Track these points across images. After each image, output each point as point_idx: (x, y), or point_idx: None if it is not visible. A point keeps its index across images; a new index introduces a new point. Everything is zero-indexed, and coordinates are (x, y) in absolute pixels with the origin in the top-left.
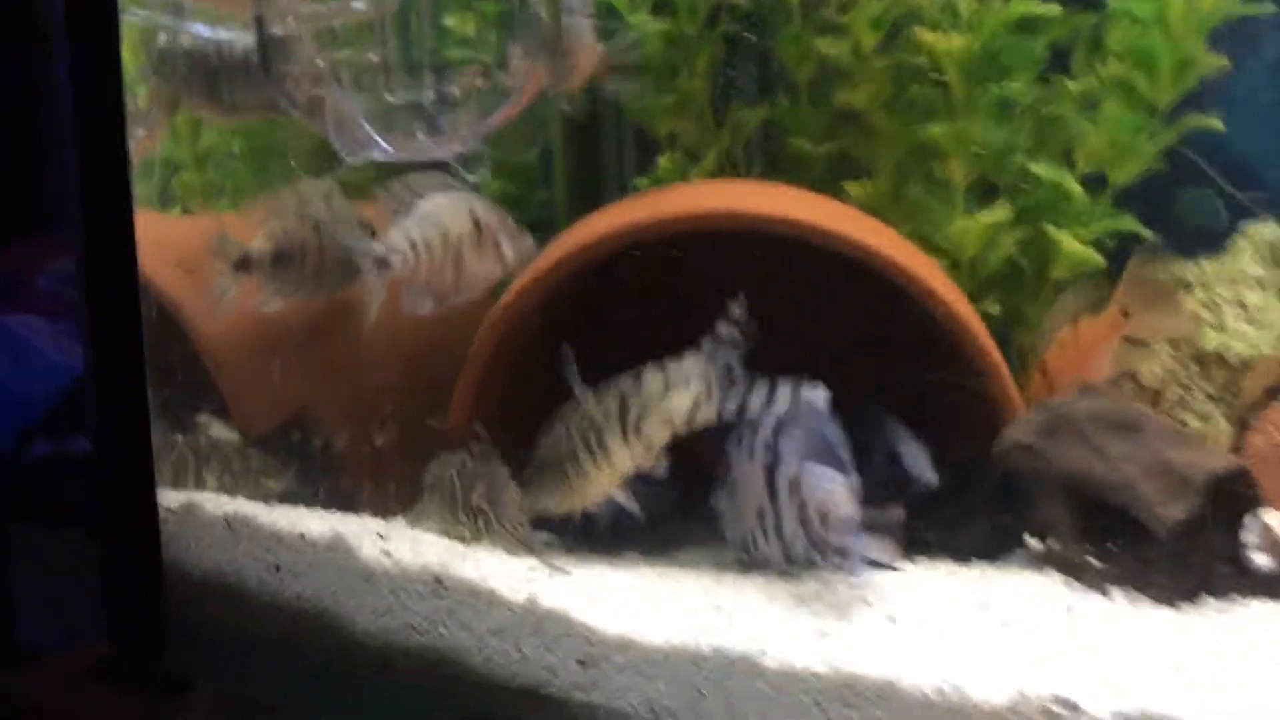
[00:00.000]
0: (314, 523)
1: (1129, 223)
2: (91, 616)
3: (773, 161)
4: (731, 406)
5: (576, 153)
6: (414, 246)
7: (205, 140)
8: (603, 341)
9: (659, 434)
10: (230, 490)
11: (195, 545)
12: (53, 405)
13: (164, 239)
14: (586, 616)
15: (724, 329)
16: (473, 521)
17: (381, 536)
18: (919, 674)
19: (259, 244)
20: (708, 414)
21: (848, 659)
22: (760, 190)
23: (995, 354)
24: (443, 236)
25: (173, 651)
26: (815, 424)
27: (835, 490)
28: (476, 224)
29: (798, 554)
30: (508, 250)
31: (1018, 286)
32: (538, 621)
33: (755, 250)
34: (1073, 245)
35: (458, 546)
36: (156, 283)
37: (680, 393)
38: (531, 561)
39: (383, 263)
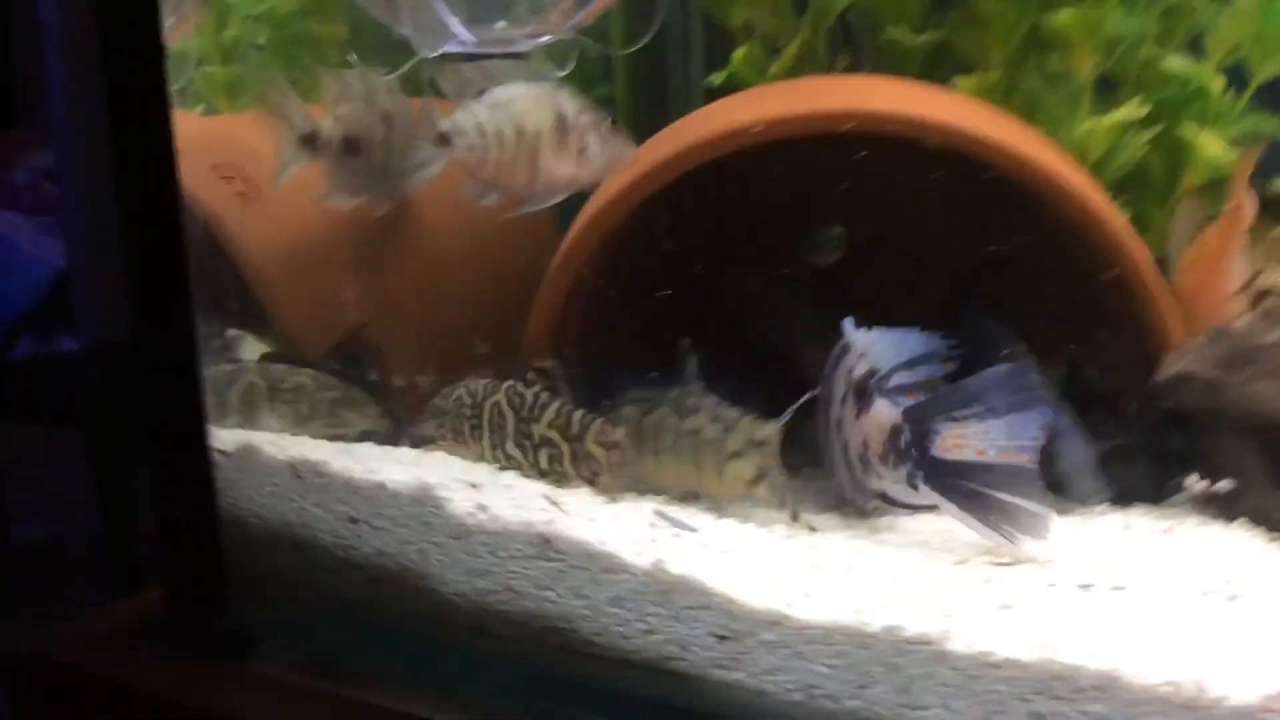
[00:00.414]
0: (395, 471)
1: (1273, 124)
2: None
3: (862, 53)
4: None
5: (638, 44)
6: (482, 132)
7: (229, 30)
8: (698, 261)
9: (733, 484)
10: (302, 424)
11: (257, 493)
12: (34, 304)
13: (196, 141)
14: (725, 585)
15: None
16: (530, 454)
17: (474, 487)
18: (1139, 659)
19: (330, 126)
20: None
21: (1046, 638)
22: (882, 86)
23: (1154, 275)
24: (517, 128)
25: (234, 608)
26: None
27: (869, 424)
28: (561, 120)
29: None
30: (596, 154)
31: (1145, 192)
32: (665, 590)
33: (873, 156)
34: (1212, 148)
35: (563, 501)
36: (190, 191)
37: (749, 460)
38: (650, 515)
39: (443, 138)
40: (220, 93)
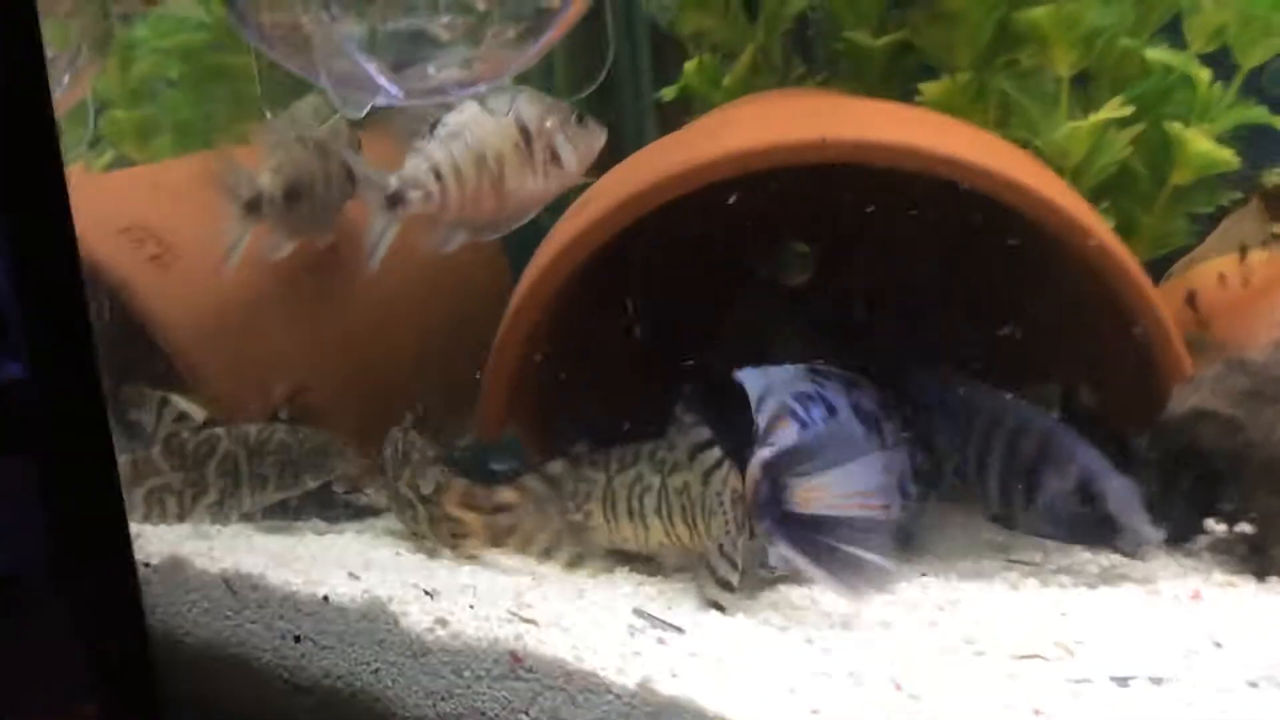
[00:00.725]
0: (340, 580)
1: (1261, 114)
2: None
3: (818, 58)
4: None
5: (580, 58)
6: (438, 175)
7: (138, 69)
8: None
9: (684, 538)
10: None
11: (189, 610)
12: None
13: (100, 201)
14: (721, 706)
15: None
16: (403, 512)
17: (430, 595)
18: None
19: (268, 180)
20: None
21: None
22: (847, 108)
23: (1155, 299)
24: (476, 157)
25: None
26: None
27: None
28: (524, 133)
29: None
30: (569, 157)
31: (1130, 195)
32: (654, 713)
33: (849, 185)
34: (1201, 143)
35: (536, 608)
36: (96, 257)
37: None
38: (628, 615)
39: (396, 199)
40: (130, 137)
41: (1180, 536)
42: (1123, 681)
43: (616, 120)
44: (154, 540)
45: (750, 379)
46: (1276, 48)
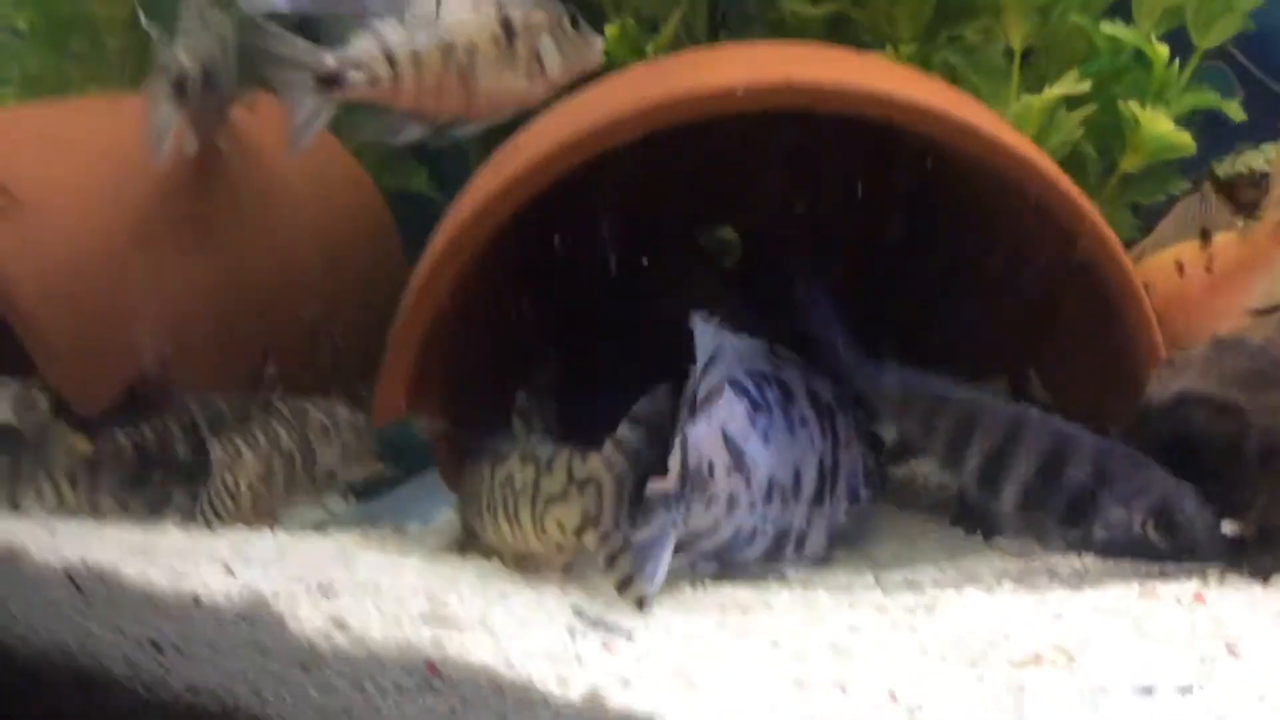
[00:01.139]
0: (212, 574)
1: (1215, 99)
2: None
3: (750, 26)
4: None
5: None
6: (390, 59)
7: None
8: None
9: (556, 535)
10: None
11: (24, 610)
12: None
13: None
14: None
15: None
16: None
17: (324, 594)
18: None
19: (187, 60)
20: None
21: None
22: (807, 54)
23: (1138, 281)
24: (444, 46)
25: None
26: None
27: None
28: (506, 24)
29: None
30: (554, 60)
31: (1081, 176)
32: None
33: (793, 137)
34: (1159, 124)
35: (452, 608)
36: None
37: (572, 503)
38: (568, 617)
39: (331, 79)
40: None
41: None
42: (1146, 691)
43: None
44: None
45: (704, 333)
46: (1235, 27)
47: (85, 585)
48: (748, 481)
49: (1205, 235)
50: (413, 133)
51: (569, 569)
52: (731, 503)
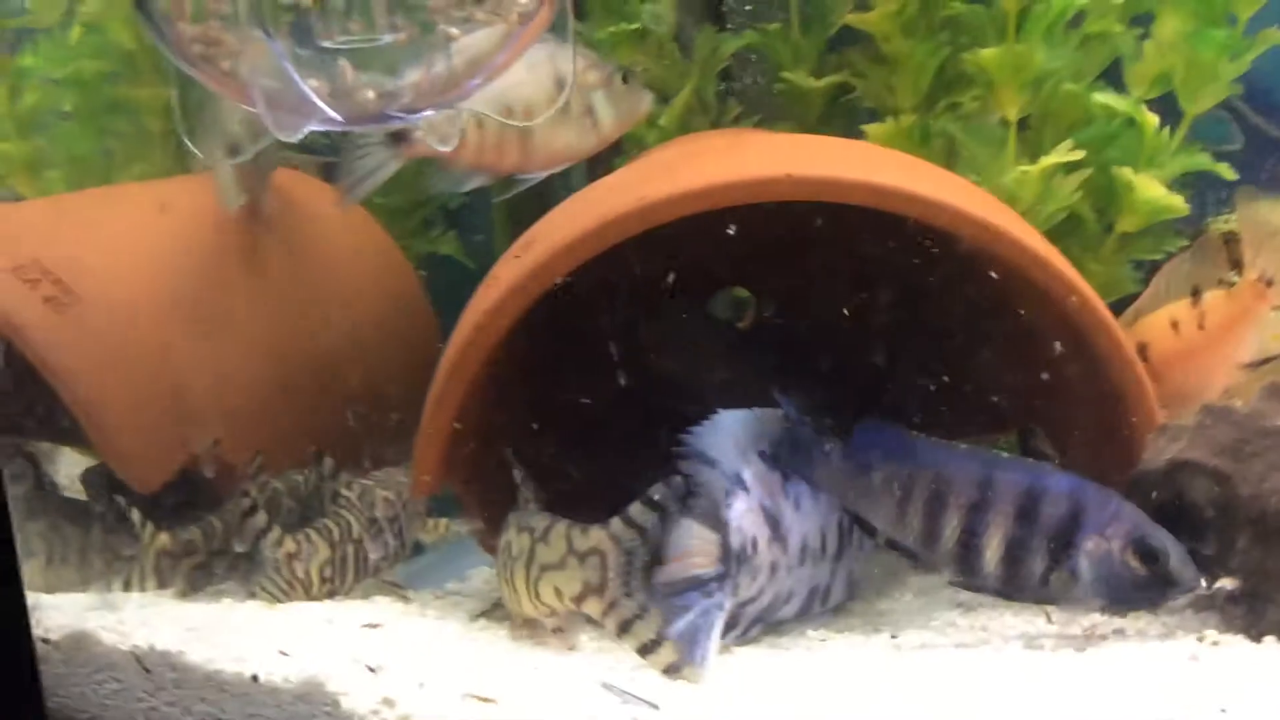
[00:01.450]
0: (270, 657)
1: (1205, 160)
2: None
3: (756, 100)
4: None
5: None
6: (453, 119)
7: (28, 99)
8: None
9: (552, 601)
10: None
11: (95, 692)
12: None
13: None
14: None
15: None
16: None
17: (373, 671)
18: None
19: (235, 128)
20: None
21: None
22: (812, 147)
23: (1131, 349)
24: (503, 106)
25: None
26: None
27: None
28: (560, 83)
29: None
30: (607, 115)
31: (1078, 241)
32: None
33: (801, 224)
34: (1151, 189)
35: (489, 681)
36: None
37: (573, 572)
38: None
39: (400, 136)
40: (18, 171)
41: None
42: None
43: None
44: (53, 612)
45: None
46: (1222, 94)
47: (151, 666)
48: (785, 548)
49: (1195, 293)
50: (475, 182)
51: (560, 634)
52: (773, 569)
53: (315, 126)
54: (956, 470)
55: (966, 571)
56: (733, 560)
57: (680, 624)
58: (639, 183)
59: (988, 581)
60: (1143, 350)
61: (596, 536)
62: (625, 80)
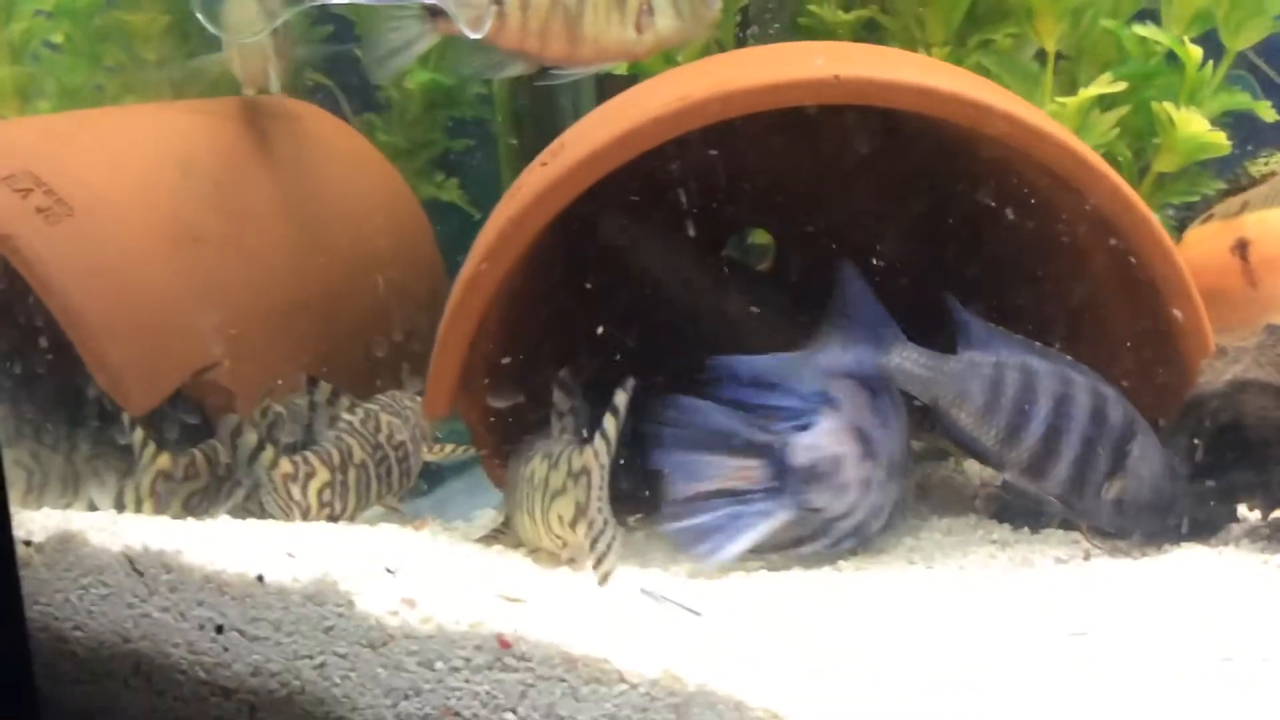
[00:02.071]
0: (277, 558)
1: (1246, 99)
2: None
3: (783, 34)
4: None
5: None
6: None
7: (17, 25)
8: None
9: (557, 528)
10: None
11: (81, 597)
12: None
13: None
14: (765, 696)
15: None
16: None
17: (391, 572)
18: None
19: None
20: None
21: None
22: (850, 53)
23: (1186, 273)
24: None
25: None
26: None
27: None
28: None
29: None
30: (665, 17)
31: None
32: (679, 705)
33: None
34: (1194, 124)
35: (520, 588)
36: None
37: (569, 496)
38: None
39: (437, 10)
40: (9, 97)
41: (1212, 525)
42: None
43: (556, 92)
44: (38, 515)
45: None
46: (1266, 29)
47: (144, 567)
48: (876, 464)
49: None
50: (513, 69)
51: (574, 565)
52: (866, 486)
53: None
54: (1044, 366)
55: (1036, 472)
56: (792, 477)
57: (698, 519)
58: (675, 84)
59: (1051, 486)
60: (1243, 246)
61: (586, 455)
62: None
